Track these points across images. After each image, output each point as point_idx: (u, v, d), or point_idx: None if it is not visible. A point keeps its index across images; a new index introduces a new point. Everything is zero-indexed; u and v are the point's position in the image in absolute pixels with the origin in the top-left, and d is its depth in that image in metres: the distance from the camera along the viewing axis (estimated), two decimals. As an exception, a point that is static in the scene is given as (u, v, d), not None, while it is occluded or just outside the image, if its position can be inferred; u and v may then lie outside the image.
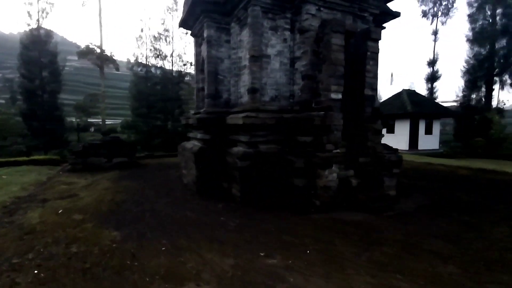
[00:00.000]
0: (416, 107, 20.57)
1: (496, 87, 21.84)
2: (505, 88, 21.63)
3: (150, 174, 10.51)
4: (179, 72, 33.95)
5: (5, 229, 4.89)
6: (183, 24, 9.05)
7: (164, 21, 30.34)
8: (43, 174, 9.73)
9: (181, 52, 34.16)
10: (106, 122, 32.80)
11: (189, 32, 9.73)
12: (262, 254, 4.04)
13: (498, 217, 5.89)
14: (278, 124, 6.83)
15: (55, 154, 16.60)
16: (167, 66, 33.10)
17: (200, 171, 7.40)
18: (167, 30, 31.29)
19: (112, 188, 8.04)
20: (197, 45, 9.07)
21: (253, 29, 6.84)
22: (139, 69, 30.80)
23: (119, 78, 64.59)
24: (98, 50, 27.50)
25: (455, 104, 24.87)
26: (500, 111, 21.90)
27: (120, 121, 41.98)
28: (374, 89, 7.12)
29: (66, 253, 3.95)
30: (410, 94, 22.12)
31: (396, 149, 7.69)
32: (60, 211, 5.88)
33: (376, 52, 6.98)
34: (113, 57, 30.09)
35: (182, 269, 3.55)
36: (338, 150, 6.54)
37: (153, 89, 30.62)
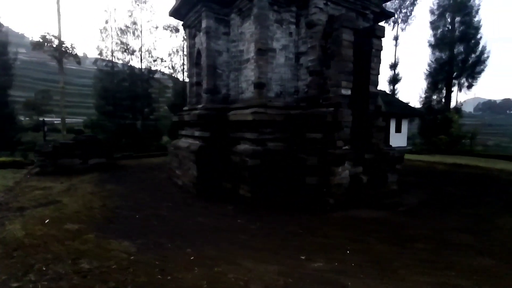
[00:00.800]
0: (387, 106, 21.65)
1: (455, 89, 23.86)
2: (462, 90, 23.71)
3: (134, 176, 9.65)
4: (149, 68, 32.24)
5: (-17, 245, 4.03)
6: (175, 13, 8.39)
7: (132, 13, 28.46)
8: (8, 178, 8.41)
9: (150, 47, 32.39)
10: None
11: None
12: (303, 257, 3.76)
13: (496, 209, 6.25)
14: (286, 120, 6.59)
15: (9, 156, 14.67)
16: (136, 61, 31.21)
17: (201, 171, 6.90)
18: (135, 23, 29.47)
19: (98, 192, 7.18)
20: (190, 37, 8.47)
21: (260, 21, 6.51)
22: (103, 63, 28.59)
23: (75, 74, 59.80)
24: (56, 41, 25.02)
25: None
26: (458, 111, 23.95)
27: (80, 120, 38.79)
28: (377, 86, 7.19)
29: (78, 271, 3.31)
30: (381, 94, 23.26)
31: (391, 146, 7.89)
32: (46, 221, 5.04)
33: (379, 50, 7.05)
34: (74, 50, 27.65)
35: (226, 281, 3.14)
36: (347, 147, 6.48)
37: (120, 85, 28.71)
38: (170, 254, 3.84)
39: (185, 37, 8.72)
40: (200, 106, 7.60)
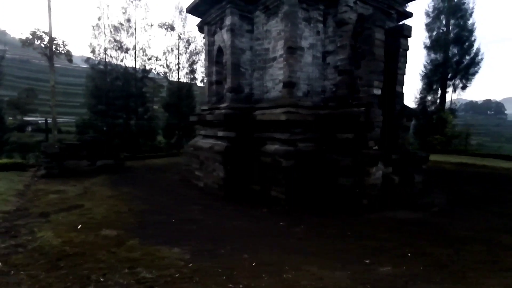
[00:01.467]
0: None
1: (450, 90, 24.46)
2: (456, 91, 24.36)
3: (145, 178, 9.32)
4: (143, 66, 31.56)
5: (21, 255, 3.70)
6: (193, 10, 8.13)
7: (126, 10, 27.69)
8: (15, 181, 7.91)
9: (145, 46, 31.73)
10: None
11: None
12: (367, 261, 3.65)
13: (522, 207, 6.36)
14: (316, 120, 6.49)
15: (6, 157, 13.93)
16: (130, 60, 30.53)
17: (228, 172, 6.70)
18: (129, 21, 28.74)
19: (116, 196, 6.86)
20: (210, 34, 8.23)
21: (290, 19, 6.38)
22: (96, 61, 27.74)
23: (60, 72, 58.04)
24: (47, 38, 24.10)
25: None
26: (452, 111, 24.57)
27: (68, 120, 37.54)
28: (403, 86, 7.19)
29: (140, 281, 3.08)
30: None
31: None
32: (79, 227, 4.74)
33: (406, 50, 7.05)
34: (66, 47, 26.73)
35: (303, 289, 2.99)
36: (376, 147, 6.44)
37: (113, 84, 27.99)
38: (226, 260, 3.65)
39: (204, 34, 8.48)
40: (223, 105, 7.39)
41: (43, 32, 23.26)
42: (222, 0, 7.13)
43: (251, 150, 6.86)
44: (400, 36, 6.85)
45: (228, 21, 7.16)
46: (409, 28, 6.92)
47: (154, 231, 4.66)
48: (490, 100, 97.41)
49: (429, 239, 4.48)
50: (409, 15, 8.63)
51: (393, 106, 6.98)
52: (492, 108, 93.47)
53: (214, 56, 8.15)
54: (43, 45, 24.48)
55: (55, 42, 24.79)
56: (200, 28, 9.68)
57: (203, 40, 9.69)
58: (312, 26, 6.83)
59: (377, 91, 6.38)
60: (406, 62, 7.11)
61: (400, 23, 8.79)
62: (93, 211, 5.63)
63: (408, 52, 7.06)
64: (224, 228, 4.89)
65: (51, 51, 23.33)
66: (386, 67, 6.84)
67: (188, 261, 3.58)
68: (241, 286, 3.03)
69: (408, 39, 7.03)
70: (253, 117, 6.97)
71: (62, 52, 26.38)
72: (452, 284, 3.14)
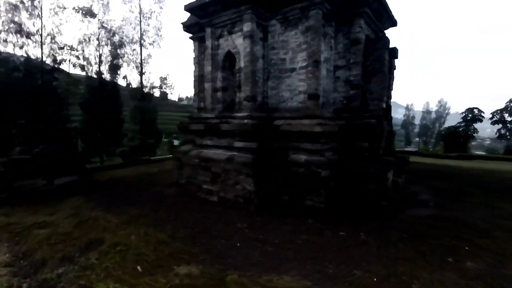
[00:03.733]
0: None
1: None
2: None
3: (137, 194, 8.06)
4: (53, 57, 26.58)
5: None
6: (198, 9, 7.42)
7: (27, -14, 22.93)
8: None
9: (54, 31, 26.57)
10: None
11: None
12: (450, 260, 4.27)
13: (491, 197, 8.15)
14: (339, 131, 6.94)
15: None
16: (34, 47, 25.30)
17: (257, 185, 6.50)
18: (32, -1, 23.87)
19: (130, 221, 5.80)
20: (214, 37, 7.67)
21: (316, 33, 6.62)
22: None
23: None
24: None
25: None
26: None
27: None
28: (391, 99, 8.37)
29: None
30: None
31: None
32: (139, 268, 3.91)
33: (395, 68, 8.22)
34: None
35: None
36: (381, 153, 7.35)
37: (11, 77, 22.92)
38: (344, 281, 3.69)
39: (207, 37, 7.84)
40: (241, 114, 7.06)
41: None
42: (241, 5, 6.80)
43: (274, 161, 6.82)
44: (392, 57, 7.95)
45: (247, 27, 6.88)
46: (397, 50, 8.09)
47: (235, 259, 4.25)
48: (395, 102, 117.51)
49: (466, 232, 5.40)
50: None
51: (389, 116, 8.06)
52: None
53: (220, 61, 7.67)
54: None
55: None
56: (190, 27, 8.91)
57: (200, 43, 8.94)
58: (326, 41, 7.23)
59: (384, 105, 7.27)
60: (393, 79, 8.30)
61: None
62: (130, 244, 4.67)
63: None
64: (298, 245, 4.81)
65: None
66: (383, 83, 7.84)
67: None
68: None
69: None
70: (275, 127, 6.93)
71: None
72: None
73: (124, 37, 29.05)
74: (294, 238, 5.08)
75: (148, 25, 29.23)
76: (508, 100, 31.66)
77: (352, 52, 7.23)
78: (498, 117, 31.78)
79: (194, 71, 9.25)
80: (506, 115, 31.37)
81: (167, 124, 38.30)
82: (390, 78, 8.10)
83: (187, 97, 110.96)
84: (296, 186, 6.56)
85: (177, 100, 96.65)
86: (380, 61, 7.16)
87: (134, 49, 29.33)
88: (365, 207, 6.61)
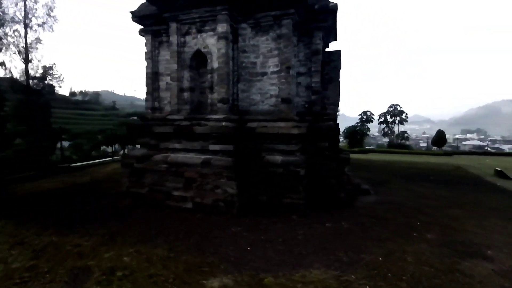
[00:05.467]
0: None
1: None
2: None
3: (86, 211, 6.79)
4: None
5: None
6: (163, 1, 6.75)
7: None
8: None
9: None
10: None
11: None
12: (415, 234, 5.41)
13: (417, 179, 10.40)
14: (307, 132, 7.60)
15: None
16: None
17: (238, 187, 6.52)
18: None
19: (102, 242, 4.98)
20: (180, 33, 7.13)
21: (289, 40, 7.08)
22: None
23: None
24: None
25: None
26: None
27: None
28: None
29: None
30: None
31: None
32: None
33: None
34: None
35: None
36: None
37: None
38: (361, 265, 4.27)
39: (171, 33, 7.20)
40: (216, 116, 6.86)
41: None
42: (217, 4, 6.60)
43: (251, 162, 6.96)
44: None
45: (222, 28, 6.72)
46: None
47: (256, 262, 4.27)
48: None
49: (408, 211, 6.86)
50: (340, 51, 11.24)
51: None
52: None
53: (188, 59, 7.21)
54: None
55: None
56: (143, 19, 8.04)
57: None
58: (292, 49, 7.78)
59: (337, 109, 8.35)
60: (338, 87, 9.56)
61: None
62: (130, 267, 4.06)
63: (340, 79, 9.52)
64: (300, 240, 5.13)
65: None
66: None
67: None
68: (411, 274, 3.92)
69: (340, 70, 9.49)
70: (249, 129, 7.06)
71: None
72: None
73: (0, 13, 23.09)
74: (292, 234, 5.40)
75: (36, 2, 23.86)
76: (389, 105, 39.92)
77: (313, 61, 8.00)
78: (383, 118, 39.75)
79: (147, 67, 8.36)
80: (388, 116, 39.51)
81: (59, 124, 32.11)
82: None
83: (82, 92, 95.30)
84: (274, 186, 6.87)
85: (68, 95, 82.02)
86: (335, 71, 8.19)
87: (15, 30, 23.44)
88: (328, 199, 7.48)
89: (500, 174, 11.59)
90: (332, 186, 7.59)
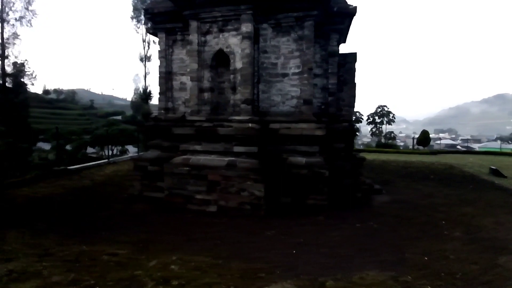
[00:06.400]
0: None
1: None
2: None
3: (100, 218, 6.44)
4: None
5: None
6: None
7: None
8: None
9: None
10: None
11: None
12: (446, 233, 5.60)
13: (421, 179, 10.72)
14: (326, 134, 7.64)
15: None
16: None
17: (266, 190, 6.46)
18: None
19: (138, 250, 4.76)
20: (200, 32, 6.93)
21: (310, 42, 7.10)
22: None
23: None
24: None
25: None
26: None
27: None
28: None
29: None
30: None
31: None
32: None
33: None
34: None
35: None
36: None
37: None
38: (411, 265, 4.35)
39: (192, 31, 6.96)
40: (240, 118, 6.73)
41: None
42: (240, 3, 6.47)
43: (274, 164, 6.92)
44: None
45: (246, 28, 6.59)
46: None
47: (307, 265, 4.23)
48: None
49: (425, 210, 7.08)
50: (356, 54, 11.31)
51: (347, 120, 9.39)
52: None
53: (209, 59, 7.02)
54: None
55: None
56: (158, 15, 7.75)
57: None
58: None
59: (353, 111, 8.48)
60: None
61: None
62: (183, 276, 3.89)
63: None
64: (338, 242, 5.16)
65: None
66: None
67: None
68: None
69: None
70: (272, 131, 7.01)
71: None
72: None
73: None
74: (328, 236, 5.42)
75: (12, -5, 22.39)
76: (377, 105, 41.10)
77: (329, 63, 8.06)
78: (371, 119, 40.81)
79: (160, 66, 8.06)
80: (376, 117, 40.63)
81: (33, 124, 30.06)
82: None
83: (56, 90, 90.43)
84: (298, 187, 6.87)
85: (41, 92, 77.64)
86: (350, 73, 8.31)
87: (-11, 24, 22.06)
88: (345, 199, 7.58)
89: (495, 172, 12.27)
90: (348, 186, 7.69)
